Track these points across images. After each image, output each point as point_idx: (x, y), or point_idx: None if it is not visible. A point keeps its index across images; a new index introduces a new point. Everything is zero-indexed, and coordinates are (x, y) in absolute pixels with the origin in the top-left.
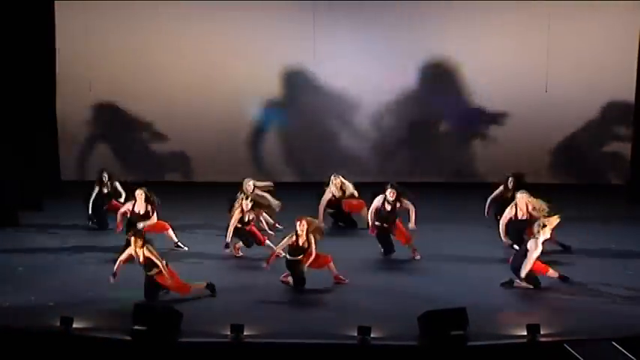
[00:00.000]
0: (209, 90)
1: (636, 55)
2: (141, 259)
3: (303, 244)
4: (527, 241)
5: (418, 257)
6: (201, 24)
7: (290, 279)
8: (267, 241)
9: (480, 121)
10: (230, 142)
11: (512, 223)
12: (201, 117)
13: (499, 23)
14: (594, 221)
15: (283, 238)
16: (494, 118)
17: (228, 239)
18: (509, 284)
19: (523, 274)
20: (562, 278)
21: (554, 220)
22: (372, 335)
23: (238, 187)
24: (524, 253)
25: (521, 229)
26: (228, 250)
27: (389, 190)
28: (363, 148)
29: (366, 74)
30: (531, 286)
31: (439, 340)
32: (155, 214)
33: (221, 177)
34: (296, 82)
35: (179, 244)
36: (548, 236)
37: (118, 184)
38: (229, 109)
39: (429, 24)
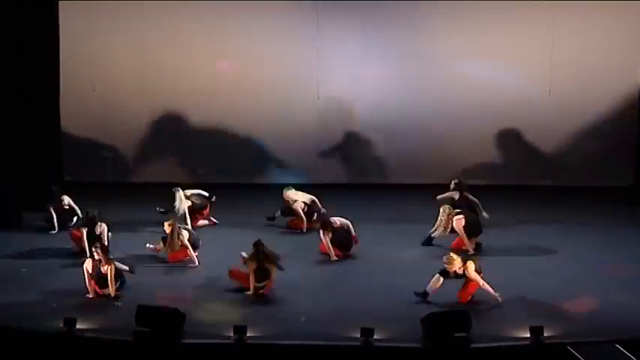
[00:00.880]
0: (215, 91)
1: None
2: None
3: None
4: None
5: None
6: (206, 23)
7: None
8: None
9: (481, 122)
10: (235, 143)
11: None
12: (207, 118)
13: (500, 23)
14: (596, 224)
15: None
16: (498, 120)
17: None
18: (422, 296)
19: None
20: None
21: (471, 267)
22: (375, 337)
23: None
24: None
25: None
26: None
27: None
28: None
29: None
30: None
31: (442, 341)
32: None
33: (222, 178)
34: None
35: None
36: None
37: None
38: (234, 109)
39: (432, 24)
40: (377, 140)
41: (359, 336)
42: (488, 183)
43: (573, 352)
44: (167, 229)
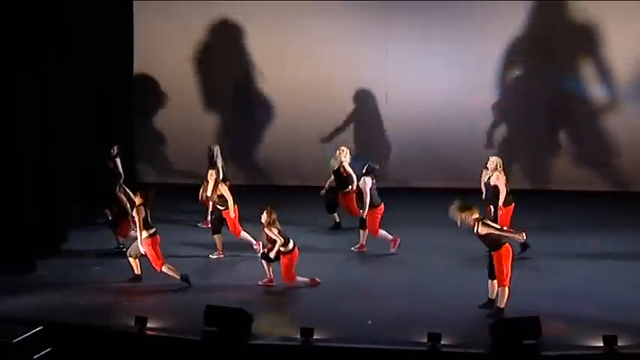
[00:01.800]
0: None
1: None
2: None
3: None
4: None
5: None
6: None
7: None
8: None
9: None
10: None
11: None
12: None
13: None
14: None
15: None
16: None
17: None
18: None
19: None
20: None
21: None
22: (442, 342)
23: None
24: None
25: None
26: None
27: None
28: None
29: None
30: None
31: (511, 349)
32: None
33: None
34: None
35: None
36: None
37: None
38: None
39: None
40: (440, 143)
41: (426, 341)
42: (560, 189)
43: None
44: (211, 178)
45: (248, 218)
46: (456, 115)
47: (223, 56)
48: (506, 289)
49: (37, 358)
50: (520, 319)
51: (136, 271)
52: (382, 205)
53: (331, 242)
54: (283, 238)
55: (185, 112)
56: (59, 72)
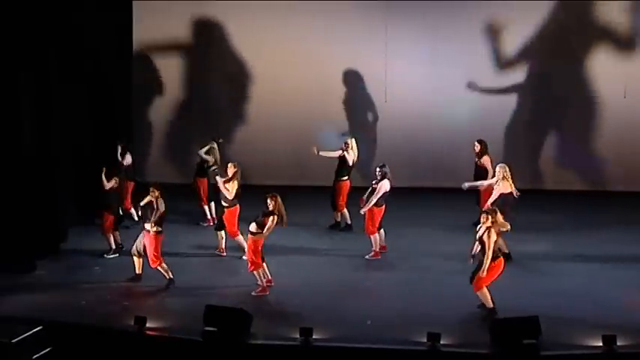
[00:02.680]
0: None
1: None
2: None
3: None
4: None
5: None
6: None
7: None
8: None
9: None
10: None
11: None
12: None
13: None
14: None
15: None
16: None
17: None
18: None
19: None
20: None
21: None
22: (441, 342)
23: None
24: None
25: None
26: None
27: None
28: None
29: None
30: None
31: (511, 348)
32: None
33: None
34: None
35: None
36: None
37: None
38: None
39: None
40: (443, 143)
41: (425, 340)
42: (558, 188)
43: None
44: (230, 170)
45: (246, 218)
46: (456, 115)
47: (224, 56)
48: (484, 289)
49: (37, 357)
50: (520, 318)
51: (137, 271)
52: (384, 207)
53: (331, 242)
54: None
55: (185, 112)
56: (59, 72)
